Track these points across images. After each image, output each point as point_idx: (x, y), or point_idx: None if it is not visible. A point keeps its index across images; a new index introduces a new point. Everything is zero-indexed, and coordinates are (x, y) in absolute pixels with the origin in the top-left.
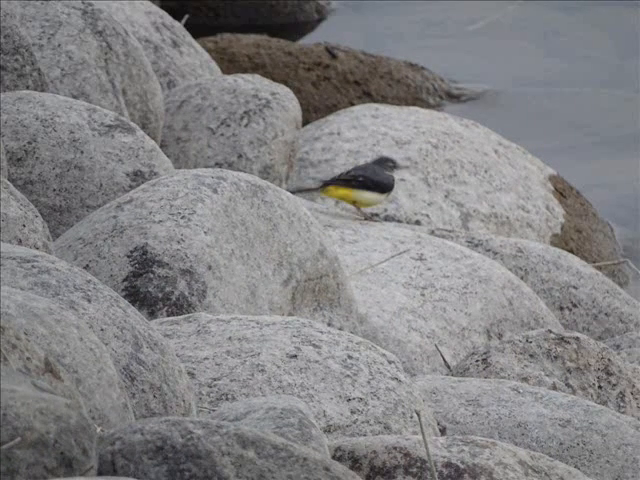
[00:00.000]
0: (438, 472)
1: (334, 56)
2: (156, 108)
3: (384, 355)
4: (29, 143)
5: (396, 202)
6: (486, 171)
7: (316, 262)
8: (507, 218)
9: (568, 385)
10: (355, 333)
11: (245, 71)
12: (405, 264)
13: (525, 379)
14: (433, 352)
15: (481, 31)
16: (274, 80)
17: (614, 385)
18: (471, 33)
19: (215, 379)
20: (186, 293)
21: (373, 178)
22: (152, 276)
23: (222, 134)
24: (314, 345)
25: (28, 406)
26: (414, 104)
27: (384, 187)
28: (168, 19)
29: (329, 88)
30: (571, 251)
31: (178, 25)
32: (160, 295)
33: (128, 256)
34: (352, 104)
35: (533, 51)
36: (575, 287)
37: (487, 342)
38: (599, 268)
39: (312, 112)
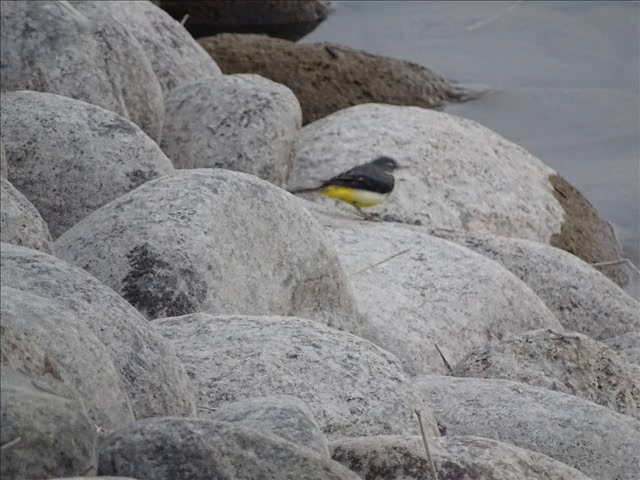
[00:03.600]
0: (438, 472)
1: (334, 56)
2: (156, 108)
3: (384, 355)
4: (29, 143)
5: (396, 202)
6: (486, 171)
7: (316, 262)
8: (507, 218)
9: (568, 385)
10: (355, 333)
11: (245, 71)
12: (405, 264)
13: (525, 379)
14: (433, 352)
15: (481, 31)
16: (274, 80)
17: (614, 385)
18: (471, 33)
19: (215, 379)
20: (186, 293)
21: (373, 178)
22: (152, 276)
23: (222, 134)
24: (314, 345)
25: (28, 406)
26: (414, 104)
27: (384, 187)
28: (168, 19)
29: (329, 88)
30: (571, 251)
31: (178, 25)
32: (160, 295)
33: (128, 256)
34: (352, 104)
35: (533, 51)
36: (575, 287)
37: (487, 342)
38: (599, 268)
39: (312, 112)
